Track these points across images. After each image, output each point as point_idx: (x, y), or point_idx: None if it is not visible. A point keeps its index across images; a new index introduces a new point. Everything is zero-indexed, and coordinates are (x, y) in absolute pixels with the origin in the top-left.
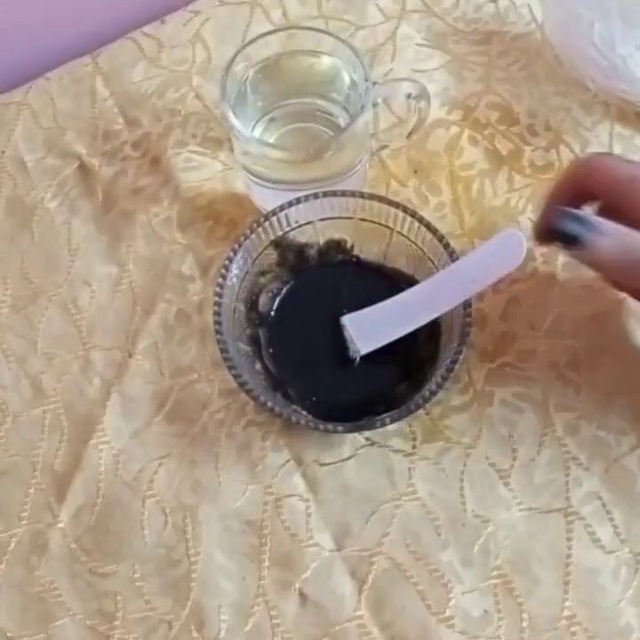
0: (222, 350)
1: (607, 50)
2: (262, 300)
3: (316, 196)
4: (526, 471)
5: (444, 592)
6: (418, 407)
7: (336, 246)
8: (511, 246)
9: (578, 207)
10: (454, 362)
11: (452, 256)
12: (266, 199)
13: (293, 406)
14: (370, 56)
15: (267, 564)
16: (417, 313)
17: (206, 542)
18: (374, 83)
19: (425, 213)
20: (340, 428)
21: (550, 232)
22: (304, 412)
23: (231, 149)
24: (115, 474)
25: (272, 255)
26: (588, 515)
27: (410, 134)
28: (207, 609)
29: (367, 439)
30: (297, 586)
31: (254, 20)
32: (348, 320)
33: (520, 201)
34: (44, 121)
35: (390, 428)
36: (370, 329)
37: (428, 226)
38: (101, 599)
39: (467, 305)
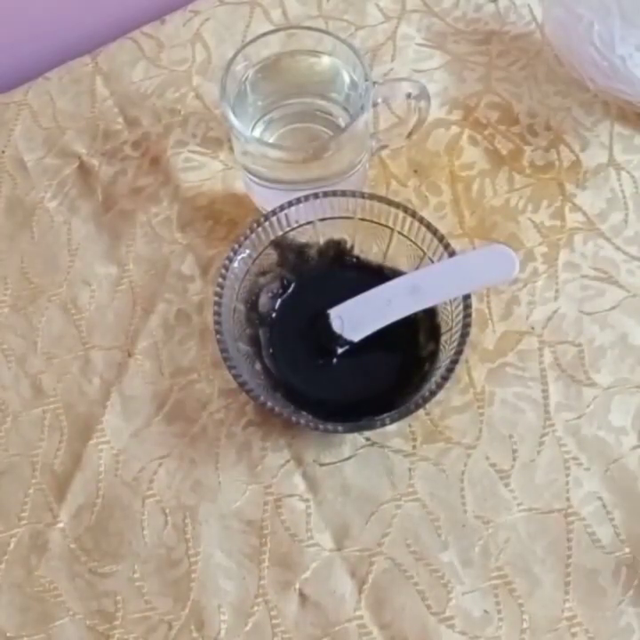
0: (222, 350)
1: (607, 50)
2: (262, 300)
3: (316, 195)
4: (526, 472)
5: (445, 592)
6: (418, 407)
7: (336, 246)
8: (504, 263)
9: None
10: (454, 362)
11: (452, 256)
12: (266, 199)
13: (293, 406)
14: (370, 56)
15: (266, 564)
16: (403, 302)
17: (206, 542)
18: (374, 83)
19: (425, 213)
20: (340, 428)
21: None
22: (304, 412)
23: (231, 149)
24: (115, 474)
25: (272, 255)
26: (588, 515)
27: (410, 134)
28: (207, 609)
29: (367, 439)
30: (297, 586)
31: (254, 19)
32: (333, 312)
33: (520, 201)
34: (43, 121)
35: (390, 428)
36: (358, 318)
37: (428, 226)
38: (101, 599)
39: (467, 305)
